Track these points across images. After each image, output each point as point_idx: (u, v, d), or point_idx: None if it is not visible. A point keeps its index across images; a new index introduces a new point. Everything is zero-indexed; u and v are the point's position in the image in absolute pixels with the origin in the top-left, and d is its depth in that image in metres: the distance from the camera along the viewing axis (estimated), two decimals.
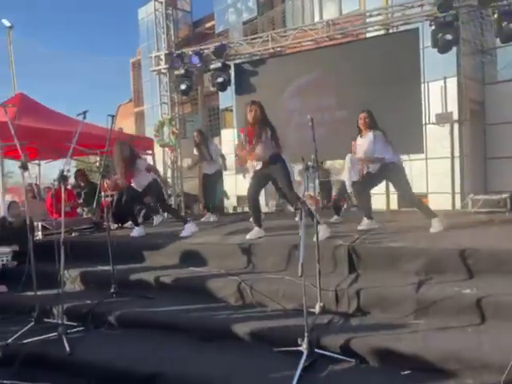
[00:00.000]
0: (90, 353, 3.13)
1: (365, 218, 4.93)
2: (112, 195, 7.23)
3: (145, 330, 3.35)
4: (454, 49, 7.32)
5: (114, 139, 5.79)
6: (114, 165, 5.58)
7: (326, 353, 2.73)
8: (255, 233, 4.60)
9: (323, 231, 4.21)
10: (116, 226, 6.53)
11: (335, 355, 2.72)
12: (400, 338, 2.77)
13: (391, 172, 4.73)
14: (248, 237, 4.54)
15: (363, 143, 4.78)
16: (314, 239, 3.17)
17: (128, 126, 21.43)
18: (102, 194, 5.40)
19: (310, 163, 3.61)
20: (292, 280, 3.46)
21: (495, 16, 5.96)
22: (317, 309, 3.12)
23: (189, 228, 5.28)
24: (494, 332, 2.71)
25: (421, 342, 2.70)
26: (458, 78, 10.21)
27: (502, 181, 10.49)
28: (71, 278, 4.41)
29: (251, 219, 4.96)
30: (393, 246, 3.92)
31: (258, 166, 4.71)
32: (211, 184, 6.99)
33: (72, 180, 8.04)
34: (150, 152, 8.39)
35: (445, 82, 10.45)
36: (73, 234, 5.81)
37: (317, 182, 3.37)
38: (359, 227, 4.83)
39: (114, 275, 3.99)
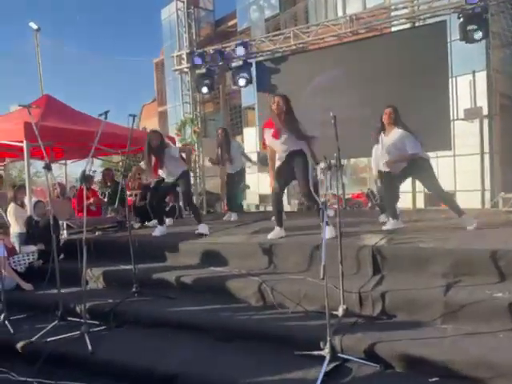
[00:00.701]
0: (112, 351, 3.15)
1: (390, 218, 4.76)
2: (136, 194, 7.31)
3: (166, 330, 3.34)
4: (483, 42, 7.06)
5: (136, 138, 5.85)
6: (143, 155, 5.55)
7: (350, 357, 2.65)
8: (276, 233, 4.53)
9: (329, 231, 4.11)
10: (139, 225, 6.58)
11: (359, 360, 2.64)
12: (427, 343, 2.66)
13: (421, 168, 4.55)
14: (269, 237, 4.48)
15: (391, 140, 4.61)
16: (337, 240, 3.09)
17: (152, 126, 21.69)
18: (128, 193, 5.41)
19: (332, 161, 3.52)
20: (314, 281, 3.38)
21: None
22: (340, 311, 3.03)
23: (203, 227, 5.23)
24: None
25: (449, 348, 2.59)
26: (487, 71, 9.85)
27: None
28: (94, 277, 4.45)
29: (273, 218, 4.91)
30: (419, 246, 3.79)
31: (279, 162, 4.60)
32: (233, 183, 6.95)
33: (98, 179, 8.18)
34: None
35: (474, 76, 10.15)
36: (96, 233, 5.88)
37: (344, 180, 3.28)
38: (384, 227, 4.68)
39: (136, 274, 4.01)
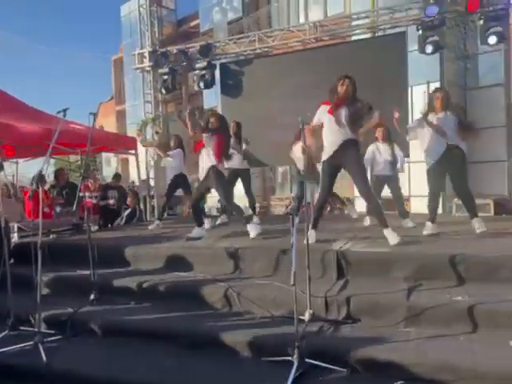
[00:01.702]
0: (69, 362, 2.98)
1: (428, 222, 4.56)
2: (96, 196, 7.06)
3: (127, 339, 3.20)
4: (437, 54, 7.38)
5: (95, 137, 5.61)
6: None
7: (317, 362, 2.65)
8: (313, 236, 4.09)
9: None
10: (97, 227, 6.33)
11: (326, 365, 2.64)
12: (392, 347, 2.71)
13: (457, 158, 4.37)
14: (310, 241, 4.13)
15: (444, 122, 4.39)
16: (305, 244, 3.09)
17: (109, 125, 21.07)
18: (87, 194, 5.18)
19: (299, 167, 3.54)
20: (281, 286, 3.37)
21: (480, 22, 6.01)
22: (306, 316, 3.04)
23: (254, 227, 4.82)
24: (486, 340, 2.67)
25: (413, 352, 2.65)
26: (440, 82, 10.33)
27: (482, 185, 10.65)
28: (49, 283, 4.22)
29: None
30: (381, 251, 3.87)
31: (326, 155, 4.12)
32: (248, 180, 6.52)
33: (50, 179, 7.79)
34: (132, 152, 8.19)
35: (428, 87, 10.55)
36: (51, 237, 5.59)
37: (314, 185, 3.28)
38: (424, 232, 4.50)
39: (95, 280, 3.83)
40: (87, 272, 3.91)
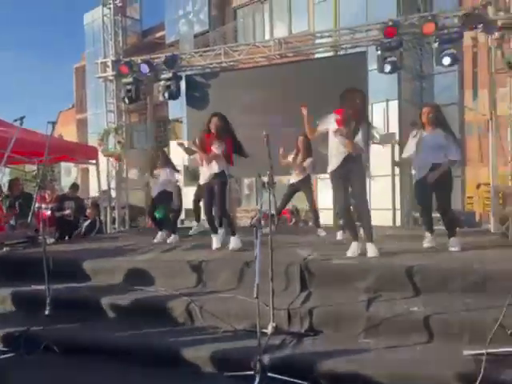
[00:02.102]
0: (22, 381, 2.84)
1: (427, 233, 4.57)
2: (52, 207, 6.80)
3: (85, 356, 3.08)
4: (396, 73, 7.70)
5: (53, 146, 5.45)
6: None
7: (279, 376, 2.65)
8: (354, 249, 4.14)
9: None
10: (53, 240, 6.09)
11: (288, 378, 2.64)
12: (352, 359, 2.76)
13: (444, 176, 4.37)
14: (350, 254, 4.12)
15: (433, 139, 4.33)
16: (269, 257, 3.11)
17: (69, 133, 20.49)
18: (43, 206, 4.98)
19: (264, 179, 3.57)
20: (244, 299, 3.37)
21: (436, 44, 6.34)
22: (269, 329, 3.04)
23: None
24: (441, 350, 2.77)
25: (372, 362, 2.71)
26: (398, 101, 10.82)
27: None
28: (1, 298, 4.00)
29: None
30: (342, 262, 3.96)
31: (332, 166, 4.14)
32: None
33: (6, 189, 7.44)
34: (93, 161, 7.98)
35: (387, 105, 10.99)
36: (4, 250, 5.32)
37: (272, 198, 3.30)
38: (425, 244, 4.54)
39: (50, 295, 3.66)
40: (42, 287, 3.75)
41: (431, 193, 4.43)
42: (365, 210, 4.22)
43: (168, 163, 6.04)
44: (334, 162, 4.17)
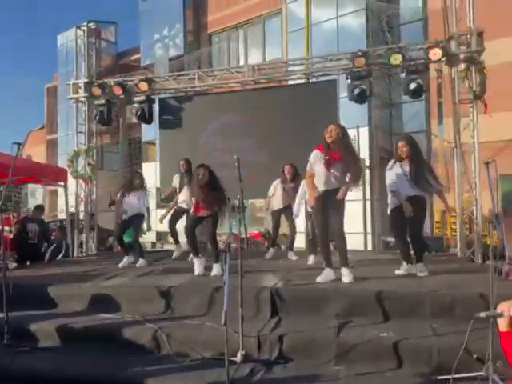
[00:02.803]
0: None
1: (404, 263, 4.61)
2: (18, 228, 6.51)
3: None
4: (366, 101, 7.94)
5: (19, 168, 5.28)
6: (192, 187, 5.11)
7: None
8: (327, 274, 4.16)
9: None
10: (15, 265, 5.83)
11: None
12: None
13: (419, 205, 4.52)
14: (320, 280, 4.12)
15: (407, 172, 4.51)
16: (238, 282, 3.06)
17: (38, 154, 19.98)
18: (6, 228, 4.76)
19: (235, 202, 3.56)
20: (213, 326, 3.29)
21: (403, 74, 6.60)
22: (238, 357, 2.97)
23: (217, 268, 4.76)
24: (411, 376, 2.76)
25: None
26: (369, 127, 11.11)
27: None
28: None
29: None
30: (313, 288, 3.94)
31: (318, 192, 4.25)
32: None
33: None
34: (62, 183, 7.78)
35: (357, 131, 11.27)
36: None
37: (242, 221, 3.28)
38: (397, 272, 4.56)
39: (9, 324, 3.48)
40: (0, 315, 3.55)
41: (407, 221, 4.51)
42: (343, 236, 4.32)
43: (144, 186, 5.99)
44: (321, 187, 4.28)
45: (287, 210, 6.08)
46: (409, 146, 4.51)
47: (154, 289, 4.01)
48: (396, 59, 6.50)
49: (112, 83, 7.97)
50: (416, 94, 6.67)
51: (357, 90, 6.84)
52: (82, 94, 8.24)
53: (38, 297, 4.16)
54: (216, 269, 4.75)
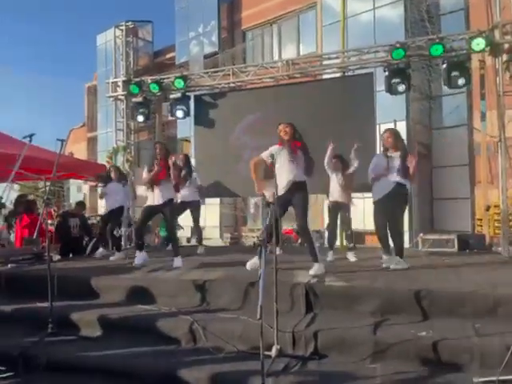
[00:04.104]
0: None
1: (386, 255, 4.81)
2: (60, 222, 6.80)
3: (85, 376, 3.03)
4: (404, 94, 7.72)
5: (62, 164, 5.49)
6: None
7: None
8: (319, 268, 4.37)
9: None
10: (59, 257, 6.08)
11: None
12: None
13: (403, 197, 4.72)
14: (312, 273, 4.29)
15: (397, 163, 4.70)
16: (273, 277, 3.06)
17: (79, 151, 20.74)
18: (49, 222, 4.99)
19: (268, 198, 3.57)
20: (247, 320, 3.30)
21: (444, 66, 6.37)
22: (273, 352, 2.96)
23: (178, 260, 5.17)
24: (451, 378, 2.67)
25: None
26: (407, 121, 10.79)
27: (447, 221, 11.02)
28: (4, 315, 3.97)
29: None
30: (349, 285, 3.89)
31: (281, 191, 4.32)
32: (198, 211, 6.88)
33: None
34: None
35: (395, 125, 10.95)
36: (9, 266, 5.31)
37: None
38: (384, 264, 4.74)
39: (53, 313, 3.63)
40: (45, 304, 3.72)
41: (389, 215, 4.71)
42: (306, 230, 4.50)
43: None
44: (284, 180, 4.41)
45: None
46: (393, 136, 4.77)
47: (190, 282, 4.07)
48: (437, 50, 6.29)
49: (149, 81, 8.15)
50: (458, 86, 6.42)
51: (394, 83, 6.67)
52: (120, 92, 8.48)
53: (80, 288, 4.33)
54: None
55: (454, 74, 6.23)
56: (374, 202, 4.86)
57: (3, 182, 5.51)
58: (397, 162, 4.69)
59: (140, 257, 5.36)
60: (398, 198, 4.69)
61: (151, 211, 5.34)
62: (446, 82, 6.48)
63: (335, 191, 5.73)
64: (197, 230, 7.12)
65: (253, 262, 4.49)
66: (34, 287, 4.26)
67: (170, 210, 5.30)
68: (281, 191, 4.24)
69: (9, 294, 4.07)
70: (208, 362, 3.03)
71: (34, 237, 4.81)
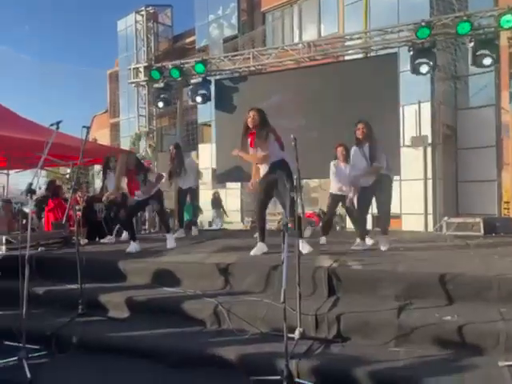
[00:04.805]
0: (54, 380, 2.92)
1: (358, 239, 5.01)
2: (85, 208, 6.99)
3: (114, 355, 3.14)
4: (429, 74, 7.52)
5: (87, 150, 5.60)
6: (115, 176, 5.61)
7: (307, 382, 2.62)
8: (260, 248, 4.56)
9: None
10: (86, 241, 6.26)
11: None
12: (381, 369, 2.68)
13: (385, 184, 4.82)
14: (252, 253, 4.51)
15: (366, 153, 4.83)
16: (295, 261, 3.09)
17: (102, 137, 21.08)
18: (77, 207, 5.14)
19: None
20: (271, 303, 3.35)
21: (471, 44, 6.15)
22: (296, 334, 3.01)
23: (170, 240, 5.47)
24: (475, 362, 2.66)
25: (402, 372, 2.63)
26: (431, 102, 10.52)
27: (472, 204, 10.79)
28: (36, 297, 4.13)
29: (255, 235, 4.96)
30: (372, 269, 3.88)
31: (263, 171, 4.58)
32: (184, 199, 6.93)
33: (41, 191, 7.72)
34: None
35: (419, 107, 10.71)
36: (39, 249, 5.51)
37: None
38: (353, 247, 4.92)
39: (82, 295, 3.77)
40: (75, 286, 3.85)
41: (375, 199, 4.92)
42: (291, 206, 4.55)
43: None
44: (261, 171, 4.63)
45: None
46: (367, 127, 4.85)
47: (214, 265, 4.14)
48: (464, 28, 6.08)
49: (170, 66, 8.17)
50: (486, 65, 6.21)
51: (419, 63, 6.50)
52: (141, 78, 8.54)
53: (107, 271, 4.45)
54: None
55: (482, 52, 6.02)
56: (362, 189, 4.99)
57: (33, 169, 5.67)
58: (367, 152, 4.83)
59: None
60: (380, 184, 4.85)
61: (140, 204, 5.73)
62: (472, 61, 6.27)
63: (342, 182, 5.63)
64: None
65: (257, 249, 4.58)
66: (63, 270, 4.41)
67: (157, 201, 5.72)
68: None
69: (40, 277, 4.21)
70: (233, 344, 3.09)
71: (63, 221, 4.97)
